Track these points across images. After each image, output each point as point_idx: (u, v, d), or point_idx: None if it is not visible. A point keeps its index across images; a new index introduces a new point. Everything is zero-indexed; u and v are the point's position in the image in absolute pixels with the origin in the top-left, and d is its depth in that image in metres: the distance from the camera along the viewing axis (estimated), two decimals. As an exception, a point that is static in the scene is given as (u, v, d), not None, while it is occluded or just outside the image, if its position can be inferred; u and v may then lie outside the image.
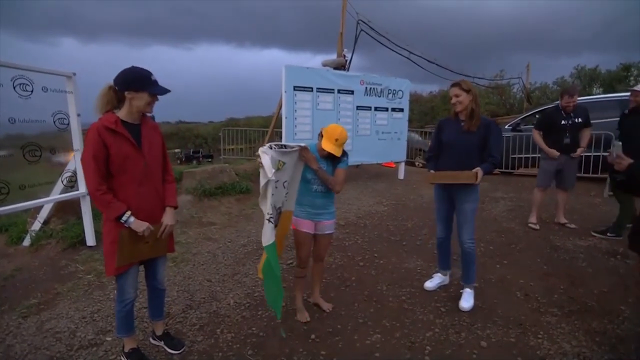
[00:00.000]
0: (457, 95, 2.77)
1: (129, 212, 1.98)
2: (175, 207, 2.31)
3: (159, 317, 2.46)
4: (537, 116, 4.87)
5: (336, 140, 2.45)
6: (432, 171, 2.97)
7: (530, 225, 4.80)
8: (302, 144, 2.50)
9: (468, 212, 2.84)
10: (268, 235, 2.20)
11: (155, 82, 2.02)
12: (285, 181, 2.41)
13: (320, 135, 2.55)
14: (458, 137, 2.81)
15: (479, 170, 2.66)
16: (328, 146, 2.46)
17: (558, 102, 4.73)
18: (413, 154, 10.98)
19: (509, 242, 4.31)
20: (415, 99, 7.71)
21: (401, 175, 8.31)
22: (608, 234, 4.33)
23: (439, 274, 3.32)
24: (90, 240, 4.13)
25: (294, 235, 2.70)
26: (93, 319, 2.80)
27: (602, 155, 6.82)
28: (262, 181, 2.21)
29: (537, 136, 4.76)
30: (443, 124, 2.98)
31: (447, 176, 2.82)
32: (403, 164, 8.36)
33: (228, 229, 4.87)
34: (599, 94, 17.87)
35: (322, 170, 2.53)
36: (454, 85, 2.81)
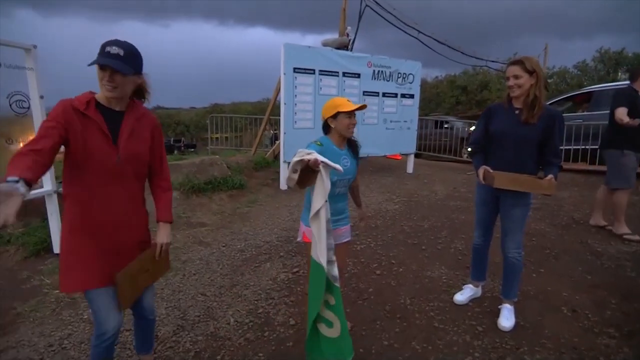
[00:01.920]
0: (516, 77, 2.48)
1: (20, 182, 1.29)
2: (171, 222, 2.02)
3: (146, 351, 2.19)
4: (614, 95, 4.25)
5: (348, 100, 2.26)
6: (490, 170, 2.56)
7: (626, 237, 4.29)
8: (311, 155, 1.88)
9: (517, 218, 2.63)
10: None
11: (106, 52, 1.59)
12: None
13: (332, 119, 2.25)
14: (512, 129, 2.55)
15: (552, 178, 2.41)
16: (350, 106, 2.21)
17: (627, 83, 4.36)
18: (458, 145, 10.82)
19: (542, 246, 4.15)
20: (420, 84, 7.50)
21: (410, 169, 8.16)
22: None
23: (470, 286, 3.14)
24: (58, 246, 3.83)
25: (306, 248, 2.47)
26: (63, 347, 2.52)
27: None
28: (318, 203, 1.86)
29: (624, 115, 4.07)
30: (493, 110, 2.71)
31: (520, 183, 2.46)
32: (412, 156, 8.19)
33: (221, 231, 4.67)
34: (624, 79, 17.82)
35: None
36: (514, 63, 2.52)
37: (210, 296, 3.16)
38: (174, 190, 5.43)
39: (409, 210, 5.48)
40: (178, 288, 3.28)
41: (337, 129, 2.25)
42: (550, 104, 8.44)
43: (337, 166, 1.86)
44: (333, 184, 2.28)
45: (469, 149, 2.87)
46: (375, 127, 7.20)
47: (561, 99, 9.00)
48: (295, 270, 3.60)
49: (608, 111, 4.33)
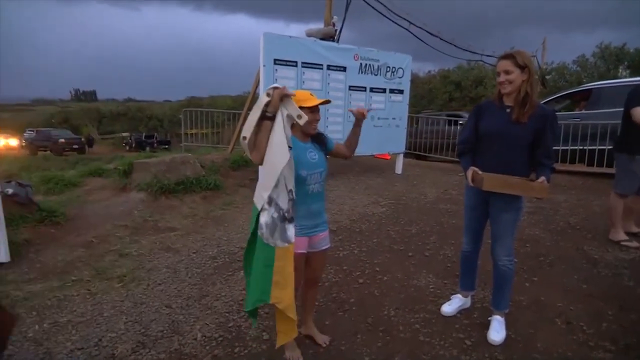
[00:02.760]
0: (507, 72, 2.48)
1: None
2: None
3: None
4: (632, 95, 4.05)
5: (310, 94, 2.27)
6: (479, 172, 2.55)
7: (623, 243, 4.32)
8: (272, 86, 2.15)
9: (508, 223, 2.64)
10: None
11: None
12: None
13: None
14: (503, 128, 2.55)
15: (544, 180, 2.43)
16: (312, 101, 2.23)
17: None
18: None
19: (536, 253, 4.18)
20: (410, 80, 7.47)
21: (399, 170, 8.19)
22: None
23: (459, 296, 3.14)
24: (3, 255, 3.75)
25: None
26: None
27: None
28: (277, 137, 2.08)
29: None
30: (483, 108, 2.71)
31: (510, 185, 2.46)
32: (401, 156, 8.23)
33: (192, 236, 4.61)
34: (626, 76, 18.14)
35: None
36: (504, 57, 2.52)
37: (177, 308, 3.10)
38: (141, 191, 5.36)
39: (396, 214, 5.49)
40: (140, 300, 3.21)
41: (300, 127, 2.23)
42: (548, 101, 8.56)
43: (300, 112, 2.08)
44: (303, 180, 2.25)
45: (457, 149, 2.87)
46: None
47: (559, 97, 9.13)
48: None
49: (608, 110, 4.36)
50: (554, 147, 2.61)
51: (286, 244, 2.15)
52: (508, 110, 2.56)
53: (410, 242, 4.49)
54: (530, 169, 2.59)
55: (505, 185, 2.46)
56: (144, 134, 31.98)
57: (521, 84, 2.47)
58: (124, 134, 34.65)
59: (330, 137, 2.51)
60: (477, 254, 2.98)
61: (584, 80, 19.45)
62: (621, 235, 4.38)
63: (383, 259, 4.04)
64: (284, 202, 2.13)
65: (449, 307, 3.07)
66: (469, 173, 2.61)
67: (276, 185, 2.09)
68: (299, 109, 2.09)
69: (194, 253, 4.14)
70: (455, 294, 3.18)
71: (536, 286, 3.49)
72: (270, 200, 2.12)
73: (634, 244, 4.28)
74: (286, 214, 2.14)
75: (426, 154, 10.97)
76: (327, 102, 2.33)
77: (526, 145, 2.53)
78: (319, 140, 2.42)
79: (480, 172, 2.53)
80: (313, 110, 2.24)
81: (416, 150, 11.06)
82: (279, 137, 2.06)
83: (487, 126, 2.62)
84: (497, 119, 2.59)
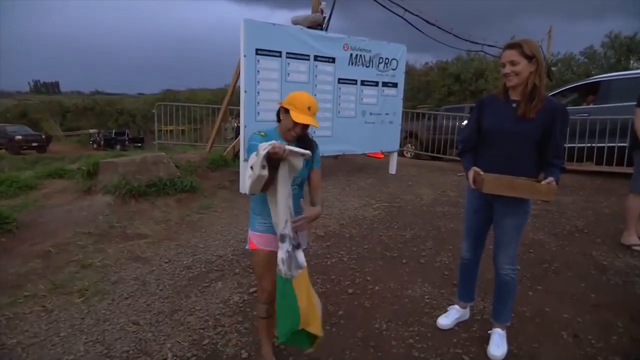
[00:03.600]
0: (513, 63, 2.44)
1: None
2: None
3: None
4: None
5: (309, 108, 2.23)
6: (481, 173, 2.52)
7: (635, 248, 4.32)
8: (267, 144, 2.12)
9: (513, 229, 2.62)
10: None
11: None
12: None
13: (283, 111, 2.30)
14: (508, 125, 2.51)
15: (552, 182, 2.39)
16: (301, 117, 2.20)
17: None
18: None
19: (541, 259, 4.18)
20: (406, 72, 7.39)
21: (393, 170, 8.18)
22: None
23: (457, 307, 3.12)
24: None
25: (253, 257, 2.49)
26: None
27: None
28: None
29: None
30: (486, 103, 2.68)
31: (514, 187, 2.41)
32: (395, 154, 8.21)
33: (165, 244, 4.56)
34: (637, 67, 18.31)
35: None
36: (510, 47, 2.48)
37: (145, 325, 3.05)
38: (107, 194, 5.28)
39: (389, 218, 5.47)
40: (104, 316, 3.15)
41: (282, 124, 2.31)
42: (554, 95, 8.58)
43: (306, 151, 2.10)
44: None
45: (458, 148, 2.83)
46: (352, 121, 7.16)
47: (566, 90, 9.17)
48: (252, 290, 3.53)
49: (618, 104, 4.37)
50: (570, 145, 2.59)
51: (299, 270, 2.24)
52: (514, 105, 2.53)
53: (405, 248, 4.47)
54: (538, 169, 2.57)
55: (508, 187, 2.42)
56: (113, 131, 31.69)
57: (528, 75, 2.43)
58: (92, 131, 34.29)
59: (318, 156, 2.45)
60: (477, 262, 2.97)
61: (593, 72, 19.63)
62: (634, 239, 4.39)
63: (375, 267, 4.03)
64: (291, 231, 2.22)
65: (446, 320, 3.06)
66: (470, 174, 2.59)
67: (286, 221, 2.19)
68: (301, 154, 2.12)
69: (166, 262, 4.09)
70: (452, 304, 3.16)
71: (540, 296, 3.48)
72: (283, 237, 2.20)
73: None
74: (293, 241, 2.23)
75: (441, 156, 10.47)
76: (307, 126, 2.31)
77: (534, 143, 2.50)
78: (306, 145, 2.34)
79: (482, 173, 2.50)
80: (297, 124, 2.23)
81: (433, 151, 10.57)
82: (283, 184, 2.16)
83: (490, 123, 2.59)
84: (501, 115, 2.56)
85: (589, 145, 7.80)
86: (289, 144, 2.22)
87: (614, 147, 7.29)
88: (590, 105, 8.17)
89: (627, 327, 3.01)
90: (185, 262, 4.08)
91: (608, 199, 6.21)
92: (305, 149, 2.22)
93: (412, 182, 7.52)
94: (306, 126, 2.27)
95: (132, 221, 5.00)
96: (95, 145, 29.26)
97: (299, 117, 2.19)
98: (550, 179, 2.41)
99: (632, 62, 20.44)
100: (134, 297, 3.42)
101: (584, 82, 9.06)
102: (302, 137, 2.33)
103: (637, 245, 4.34)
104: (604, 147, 7.55)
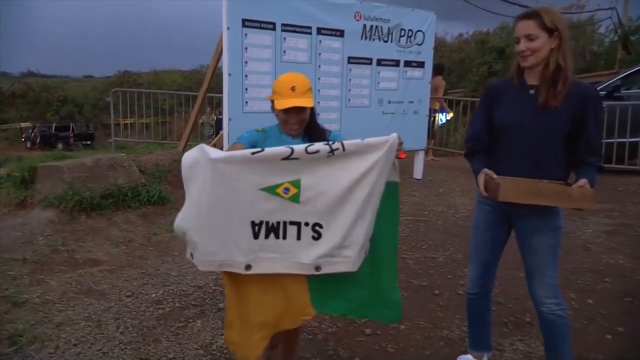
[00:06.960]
0: (529, 37, 2.48)
1: None
2: None
3: None
4: None
5: (292, 89, 2.34)
6: (494, 176, 2.58)
7: None
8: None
9: (546, 250, 2.66)
10: None
11: None
12: None
13: (272, 105, 2.50)
14: (526, 117, 2.57)
15: (586, 184, 2.42)
16: (285, 102, 2.33)
17: None
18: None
19: (621, 291, 4.24)
20: (435, 47, 7.37)
21: (419, 174, 8.23)
22: None
23: (469, 357, 3.14)
24: None
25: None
26: None
27: None
28: None
29: None
30: (497, 91, 2.75)
31: (538, 194, 2.44)
32: (422, 154, 8.27)
33: (126, 272, 4.63)
34: None
35: None
36: (525, 17, 2.52)
37: (103, 380, 3.11)
38: (48, 207, 5.32)
39: (415, 235, 5.57)
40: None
41: (279, 120, 2.48)
42: (631, 73, 8.65)
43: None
44: None
45: (465, 148, 2.89)
46: (366, 111, 7.25)
47: (635, 72, 9.19)
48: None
49: None
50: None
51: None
52: (532, 91, 2.58)
53: (436, 275, 4.54)
54: (567, 170, 2.64)
55: (531, 194, 2.43)
56: (53, 125, 31.84)
57: (549, 53, 2.48)
58: (23, 125, 34.39)
59: (335, 134, 2.57)
60: (488, 297, 3.03)
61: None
62: None
63: (399, 300, 4.07)
64: None
65: None
66: (481, 179, 2.62)
67: None
68: None
69: (127, 297, 4.15)
70: (465, 354, 3.19)
71: (620, 340, 3.50)
72: None
73: None
74: None
75: None
76: (300, 108, 2.40)
77: (561, 138, 2.55)
78: (318, 138, 2.43)
79: (495, 177, 2.54)
80: (287, 111, 2.34)
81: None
82: None
83: (504, 116, 2.64)
84: (517, 106, 2.62)
85: None
86: (294, 141, 2.33)
87: None
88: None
89: None
90: (153, 296, 4.14)
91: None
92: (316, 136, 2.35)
93: (444, 189, 7.61)
94: (303, 112, 2.37)
95: (83, 243, 5.07)
96: (28, 144, 29.45)
97: (282, 103, 2.31)
98: (584, 180, 2.42)
99: None
100: (86, 344, 3.44)
101: None
102: (309, 128, 2.42)
103: None
104: None
